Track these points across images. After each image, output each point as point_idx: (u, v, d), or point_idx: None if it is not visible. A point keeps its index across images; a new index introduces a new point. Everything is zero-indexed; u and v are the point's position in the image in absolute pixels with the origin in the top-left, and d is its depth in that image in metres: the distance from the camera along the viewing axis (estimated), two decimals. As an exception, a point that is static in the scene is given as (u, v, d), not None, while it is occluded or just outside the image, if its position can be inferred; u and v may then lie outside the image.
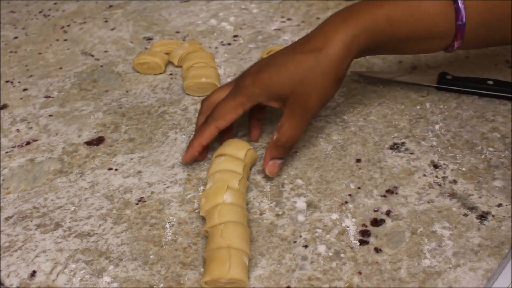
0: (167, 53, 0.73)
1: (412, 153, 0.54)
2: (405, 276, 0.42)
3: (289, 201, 0.49)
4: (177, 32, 0.81)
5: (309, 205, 0.49)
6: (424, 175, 0.51)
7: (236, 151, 0.51)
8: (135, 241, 0.47)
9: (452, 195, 0.49)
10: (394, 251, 0.44)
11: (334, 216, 0.48)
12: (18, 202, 0.52)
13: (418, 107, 0.60)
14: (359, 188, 0.50)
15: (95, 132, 0.61)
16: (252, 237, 0.46)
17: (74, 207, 0.51)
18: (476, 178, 0.50)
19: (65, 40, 0.82)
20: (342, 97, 0.63)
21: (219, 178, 0.48)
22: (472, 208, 0.47)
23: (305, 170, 0.53)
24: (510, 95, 0.59)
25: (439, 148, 0.54)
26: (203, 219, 0.48)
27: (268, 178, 0.52)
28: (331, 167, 0.53)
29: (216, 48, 0.76)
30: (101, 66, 0.74)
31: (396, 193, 0.49)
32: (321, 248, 0.45)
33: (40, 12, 0.92)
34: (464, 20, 0.48)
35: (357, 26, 0.47)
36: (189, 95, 0.66)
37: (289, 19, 0.82)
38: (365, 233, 0.46)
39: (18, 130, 0.62)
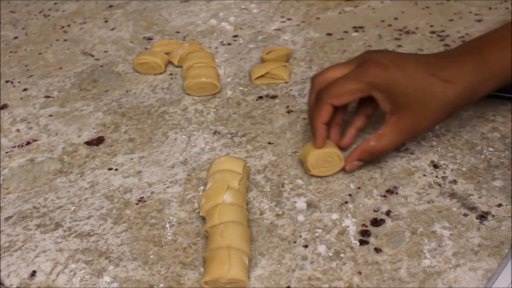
0: (167, 53, 0.73)
1: (412, 153, 0.54)
2: (405, 276, 0.42)
3: (289, 201, 0.49)
4: (177, 32, 0.81)
5: (309, 205, 0.49)
6: (424, 175, 0.51)
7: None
8: (135, 241, 0.47)
9: (452, 195, 0.49)
10: (394, 251, 0.44)
11: (334, 216, 0.48)
12: (18, 202, 0.52)
13: (418, 107, 0.60)
14: (359, 188, 0.50)
15: (95, 132, 0.61)
16: (252, 237, 0.46)
17: (74, 207, 0.51)
18: (476, 178, 0.50)
19: (65, 40, 0.82)
20: (342, 97, 0.63)
21: (219, 178, 0.48)
22: (472, 208, 0.47)
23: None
24: (510, 95, 0.59)
25: (439, 148, 0.54)
26: (203, 219, 0.48)
27: (268, 178, 0.52)
28: (331, 167, 0.53)
29: (216, 48, 0.76)
30: (101, 66, 0.74)
31: (396, 193, 0.49)
32: (321, 248, 0.45)
33: (40, 12, 0.92)
34: None
35: (488, 71, 0.48)
36: (189, 95, 0.66)
37: (289, 19, 0.82)
38: (365, 233, 0.46)
39: (18, 130, 0.62)
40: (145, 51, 0.73)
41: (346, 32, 0.77)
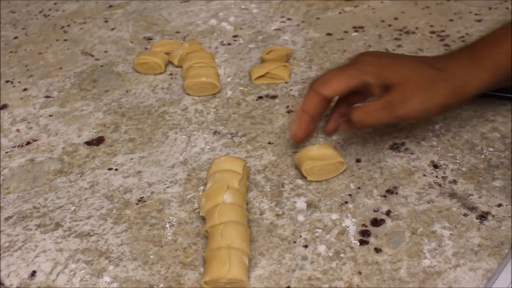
0: (167, 53, 0.73)
1: (412, 153, 0.54)
2: (405, 276, 0.42)
3: (289, 201, 0.49)
4: (177, 32, 0.81)
5: (309, 205, 0.49)
6: (424, 175, 0.51)
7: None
8: (135, 241, 0.47)
9: (452, 195, 0.49)
10: (394, 251, 0.44)
11: (334, 216, 0.47)
12: (18, 202, 0.52)
13: (418, 107, 0.60)
14: (359, 188, 0.50)
15: (95, 132, 0.61)
16: (252, 237, 0.46)
17: (74, 207, 0.51)
18: (476, 178, 0.50)
19: (65, 40, 0.82)
20: (342, 97, 0.63)
21: (219, 178, 0.48)
22: (472, 208, 0.47)
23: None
24: (510, 95, 0.59)
25: (439, 148, 0.54)
26: (203, 219, 0.48)
27: (268, 178, 0.52)
28: (331, 167, 0.53)
29: (216, 48, 0.76)
30: (101, 66, 0.74)
31: (396, 193, 0.49)
32: (321, 248, 0.45)
33: (40, 12, 0.92)
34: None
35: (480, 67, 0.48)
36: (189, 95, 0.66)
37: (289, 19, 0.82)
38: (365, 233, 0.46)
39: (18, 130, 0.62)
40: (145, 51, 0.73)
41: (346, 32, 0.77)
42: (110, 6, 0.91)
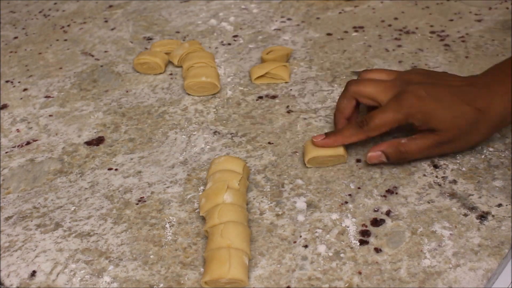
0: (167, 53, 0.73)
1: (412, 153, 0.54)
2: (405, 276, 0.42)
3: (289, 201, 0.49)
4: (177, 32, 0.81)
5: (309, 205, 0.49)
6: (424, 175, 0.51)
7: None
8: (135, 241, 0.47)
9: (452, 195, 0.49)
10: (394, 251, 0.44)
11: (334, 216, 0.47)
12: (18, 202, 0.52)
13: (418, 107, 0.60)
14: (359, 188, 0.50)
15: (95, 132, 0.61)
16: (252, 237, 0.46)
17: (74, 207, 0.51)
18: (476, 178, 0.50)
19: (65, 40, 0.82)
20: (342, 97, 0.63)
21: (219, 178, 0.48)
22: (472, 208, 0.47)
23: (305, 170, 0.53)
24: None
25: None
26: (203, 219, 0.48)
27: (268, 178, 0.52)
28: (331, 167, 0.53)
29: (216, 48, 0.76)
30: (101, 66, 0.74)
31: (396, 193, 0.49)
32: (321, 248, 0.45)
33: (40, 12, 0.92)
34: None
35: None
36: (189, 94, 0.66)
37: (289, 19, 0.82)
38: (365, 233, 0.46)
39: (18, 130, 0.62)
40: (145, 51, 0.73)
41: (346, 32, 0.77)
42: (110, 6, 0.91)
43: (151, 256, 0.45)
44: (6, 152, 0.59)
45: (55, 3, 0.95)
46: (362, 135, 0.51)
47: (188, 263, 0.44)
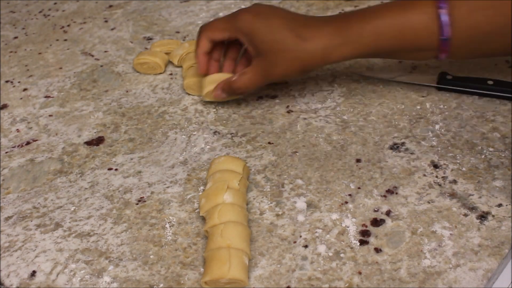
0: (167, 53, 0.73)
1: (412, 153, 0.54)
2: (405, 276, 0.42)
3: (289, 201, 0.49)
4: (177, 32, 0.81)
5: (309, 205, 0.49)
6: (424, 175, 0.51)
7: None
8: (135, 241, 0.47)
9: (452, 195, 0.49)
10: (394, 251, 0.44)
11: (334, 216, 0.48)
12: (18, 202, 0.52)
13: (418, 107, 0.60)
14: (359, 188, 0.50)
15: (95, 132, 0.61)
16: (252, 237, 0.46)
17: (74, 207, 0.51)
18: (476, 178, 0.50)
19: (65, 40, 0.82)
20: (342, 97, 0.63)
21: (219, 178, 0.48)
22: (472, 208, 0.47)
23: (305, 170, 0.53)
24: (510, 95, 0.59)
25: (439, 148, 0.54)
26: (203, 219, 0.48)
27: (268, 178, 0.52)
28: (331, 167, 0.53)
29: (216, 48, 0.76)
30: (101, 66, 0.74)
31: (396, 193, 0.49)
32: (321, 248, 0.45)
33: (40, 12, 0.92)
34: (448, 34, 0.51)
35: (343, 38, 0.53)
36: (189, 94, 0.66)
37: (289, 19, 0.82)
38: (365, 233, 0.46)
39: (18, 130, 0.62)
40: (145, 51, 0.73)
41: (346, 32, 0.77)
42: (110, 6, 0.91)
43: (151, 256, 0.45)
44: (6, 152, 0.59)
45: (55, 3, 0.95)
46: (202, 37, 0.58)
47: (188, 263, 0.44)
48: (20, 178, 0.55)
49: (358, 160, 0.53)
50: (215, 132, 0.59)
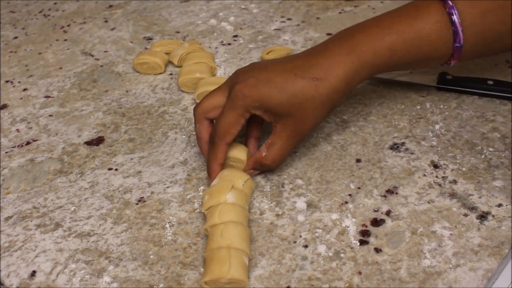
0: (167, 53, 0.73)
1: (412, 153, 0.54)
2: (405, 276, 0.42)
3: (289, 201, 0.49)
4: (177, 32, 0.81)
5: (309, 205, 0.49)
6: (424, 175, 0.51)
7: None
8: (135, 241, 0.47)
9: (452, 195, 0.49)
10: (394, 251, 0.44)
11: (334, 216, 0.47)
12: (18, 202, 0.52)
13: (418, 107, 0.60)
14: (359, 188, 0.50)
15: (95, 132, 0.61)
16: (252, 237, 0.46)
17: (74, 207, 0.51)
18: (476, 178, 0.50)
19: (65, 40, 0.82)
20: (342, 97, 0.63)
21: (226, 177, 0.48)
22: (472, 208, 0.47)
23: (305, 170, 0.53)
24: (510, 95, 0.59)
25: (439, 148, 0.54)
26: (204, 218, 0.48)
27: (268, 178, 0.52)
28: (331, 167, 0.53)
29: (216, 48, 0.76)
30: (101, 66, 0.74)
31: (396, 193, 0.49)
32: (321, 248, 0.45)
33: (40, 12, 0.92)
34: (461, 42, 0.49)
35: (360, 62, 0.48)
36: (187, 93, 0.66)
37: (289, 19, 0.82)
38: (365, 233, 0.46)
39: (18, 130, 0.62)
40: (145, 51, 0.73)
41: (346, 32, 0.77)
42: (110, 6, 0.91)
43: (151, 256, 0.45)
44: (6, 152, 0.59)
45: (55, 3, 0.95)
46: (220, 147, 0.49)
47: (188, 263, 0.44)
48: (20, 178, 0.55)
49: (358, 160, 0.53)
50: (215, 132, 0.59)
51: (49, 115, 0.64)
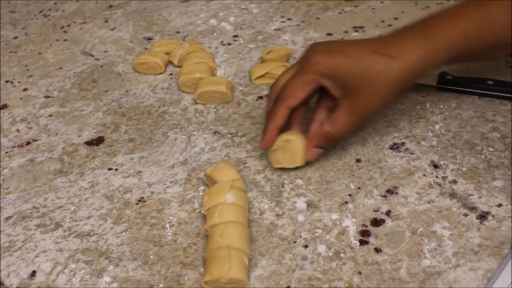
0: (167, 53, 0.73)
1: (412, 153, 0.54)
2: (405, 276, 0.42)
3: (289, 201, 0.49)
4: (177, 32, 0.81)
5: (309, 205, 0.49)
6: (424, 175, 0.51)
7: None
8: (135, 241, 0.47)
9: (452, 195, 0.49)
10: (394, 251, 0.44)
11: (334, 216, 0.47)
12: (18, 202, 0.52)
13: (418, 107, 0.60)
14: (359, 188, 0.50)
15: (95, 132, 0.61)
16: (252, 237, 0.46)
17: (74, 207, 0.51)
18: (476, 178, 0.50)
19: (65, 40, 0.82)
20: (342, 97, 0.63)
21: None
22: (472, 208, 0.47)
23: (305, 170, 0.53)
24: (510, 95, 0.59)
25: (439, 148, 0.54)
26: (204, 218, 0.48)
27: (268, 178, 0.52)
28: (331, 167, 0.53)
29: (216, 48, 0.76)
30: (101, 66, 0.74)
31: (396, 193, 0.49)
32: (321, 248, 0.45)
33: (40, 12, 0.92)
34: None
35: (434, 45, 0.47)
36: (187, 93, 0.66)
37: (289, 19, 0.82)
38: (365, 233, 0.46)
39: (18, 130, 0.62)
40: (145, 51, 0.73)
41: (346, 32, 0.77)
42: (110, 6, 0.91)
43: (151, 256, 0.45)
44: (6, 152, 0.59)
45: (55, 3, 0.95)
46: (279, 108, 0.49)
47: (188, 263, 0.44)
48: (20, 178, 0.55)
49: (358, 160, 0.53)
50: (215, 132, 0.59)
51: (49, 115, 0.64)
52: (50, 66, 0.75)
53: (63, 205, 0.51)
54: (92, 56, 0.77)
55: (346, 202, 0.49)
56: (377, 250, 0.44)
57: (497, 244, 0.44)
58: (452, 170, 0.51)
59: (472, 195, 0.49)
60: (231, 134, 0.59)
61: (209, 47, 0.76)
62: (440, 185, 0.50)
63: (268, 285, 0.42)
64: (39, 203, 0.52)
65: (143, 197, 0.51)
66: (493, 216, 0.46)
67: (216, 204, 0.46)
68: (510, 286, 0.44)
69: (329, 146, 0.51)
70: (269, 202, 0.49)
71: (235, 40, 0.78)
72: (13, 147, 0.60)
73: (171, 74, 0.71)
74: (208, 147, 0.57)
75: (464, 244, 0.44)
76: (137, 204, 0.51)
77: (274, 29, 0.79)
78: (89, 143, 0.59)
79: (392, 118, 0.59)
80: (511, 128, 0.56)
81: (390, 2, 0.86)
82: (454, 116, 0.58)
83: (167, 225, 0.48)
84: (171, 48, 0.73)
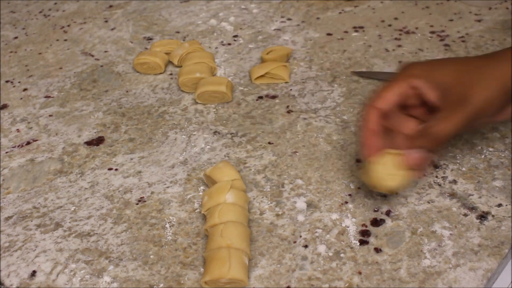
0: (167, 53, 0.73)
1: (412, 153, 0.54)
2: (405, 276, 0.42)
3: (289, 201, 0.49)
4: (177, 32, 0.81)
5: (309, 205, 0.49)
6: (424, 175, 0.51)
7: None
8: (135, 241, 0.47)
9: (452, 195, 0.49)
10: (394, 251, 0.44)
11: (334, 216, 0.48)
12: (18, 202, 0.52)
13: (418, 107, 0.60)
14: (359, 188, 0.50)
15: (95, 132, 0.61)
16: (252, 237, 0.46)
17: (74, 207, 0.51)
18: (476, 178, 0.50)
19: (65, 40, 0.82)
20: (342, 97, 0.63)
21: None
22: (472, 208, 0.47)
23: (305, 170, 0.53)
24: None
25: (439, 148, 0.54)
26: (204, 218, 0.48)
27: (268, 178, 0.52)
28: (331, 167, 0.53)
29: (216, 48, 0.76)
30: (101, 66, 0.74)
31: (396, 193, 0.49)
32: (321, 248, 0.45)
33: (40, 12, 0.92)
34: None
35: None
36: (188, 93, 0.66)
37: (289, 19, 0.82)
38: (365, 233, 0.46)
39: (18, 130, 0.62)
40: (145, 51, 0.73)
41: (346, 32, 0.77)
42: (110, 6, 0.91)
43: (151, 256, 0.45)
44: (6, 152, 0.59)
45: (55, 3, 0.95)
46: (369, 109, 0.45)
47: (188, 263, 0.44)
48: (20, 178, 0.55)
49: (358, 160, 0.53)
50: (215, 132, 0.59)
51: (49, 115, 0.64)
52: (50, 66, 0.75)
53: (63, 205, 0.51)
54: (92, 56, 0.77)
55: (346, 202, 0.49)
56: (377, 250, 0.44)
57: (497, 244, 0.44)
58: (452, 170, 0.51)
59: (472, 195, 0.49)
60: (231, 134, 0.59)
61: (209, 47, 0.76)
62: (440, 185, 0.50)
63: (268, 285, 0.42)
64: (39, 203, 0.52)
65: (143, 197, 0.51)
66: (493, 216, 0.46)
67: (216, 204, 0.46)
68: (510, 286, 0.44)
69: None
70: (269, 202, 0.49)
71: (235, 40, 0.78)
72: (13, 147, 0.60)
73: (171, 74, 0.71)
74: (208, 147, 0.57)
75: (464, 244, 0.44)
76: (137, 204, 0.51)
77: (274, 29, 0.79)
78: (89, 143, 0.59)
79: (392, 118, 0.59)
80: (511, 128, 0.56)
81: (390, 2, 0.86)
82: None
83: (167, 225, 0.48)
84: (171, 48, 0.73)
